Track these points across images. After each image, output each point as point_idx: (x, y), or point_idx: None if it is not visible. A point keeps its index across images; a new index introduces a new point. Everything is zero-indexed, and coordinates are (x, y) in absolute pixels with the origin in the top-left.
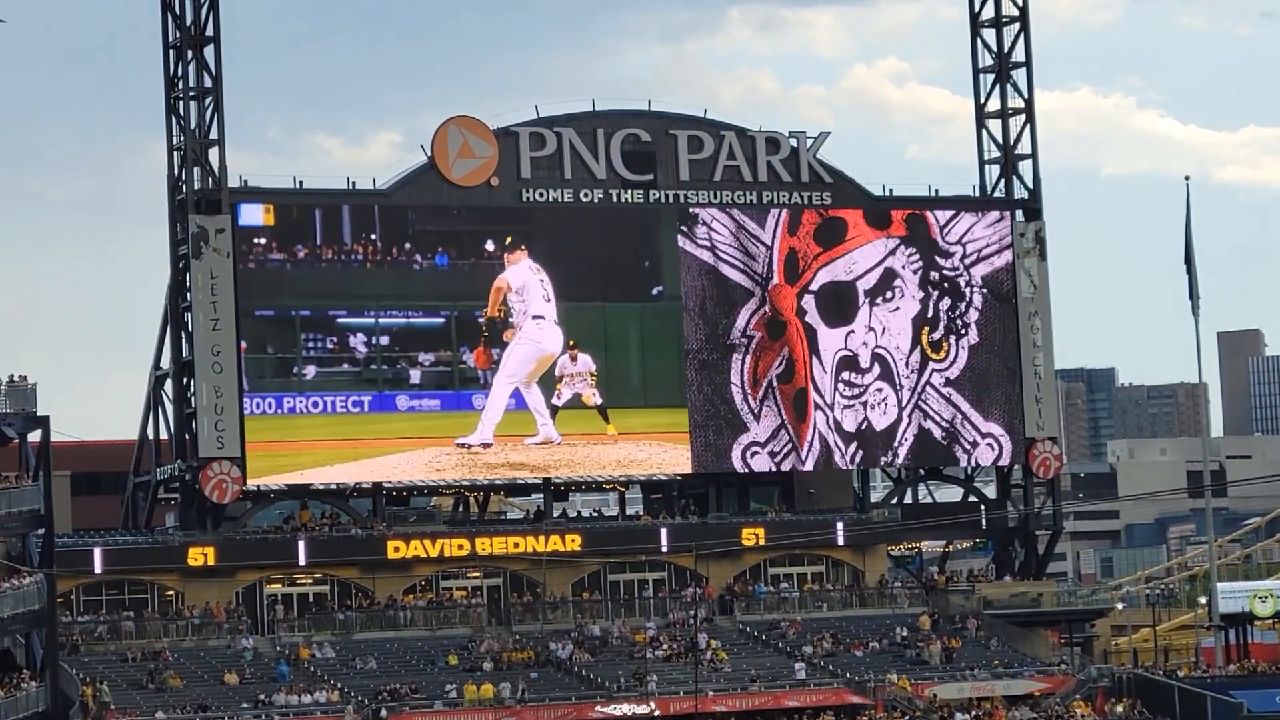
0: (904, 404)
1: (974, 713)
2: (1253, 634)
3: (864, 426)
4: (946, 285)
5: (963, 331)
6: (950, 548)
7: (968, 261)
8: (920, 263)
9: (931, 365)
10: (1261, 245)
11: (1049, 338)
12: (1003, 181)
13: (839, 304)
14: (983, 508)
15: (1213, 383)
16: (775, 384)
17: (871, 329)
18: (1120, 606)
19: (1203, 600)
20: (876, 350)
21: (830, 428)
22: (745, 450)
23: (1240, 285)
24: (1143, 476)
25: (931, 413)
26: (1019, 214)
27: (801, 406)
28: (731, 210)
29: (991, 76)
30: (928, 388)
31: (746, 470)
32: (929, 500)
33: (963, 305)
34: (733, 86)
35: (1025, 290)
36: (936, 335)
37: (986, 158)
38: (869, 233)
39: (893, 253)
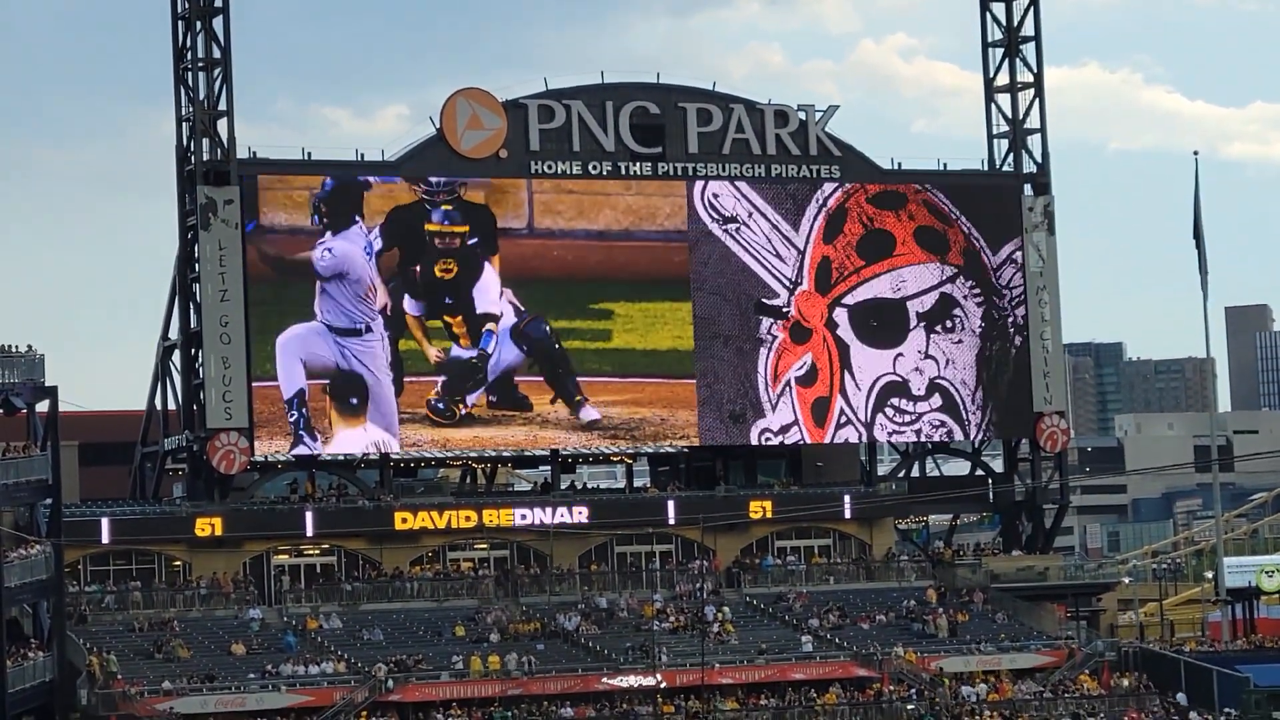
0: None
1: (980, 686)
2: (1259, 609)
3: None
4: (999, 322)
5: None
6: (957, 521)
7: (1013, 303)
8: (981, 296)
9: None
10: (1269, 221)
11: (1057, 312)
12: (1011, 156)
13: (881, 322)
14: (990, 481)
15: (1220, 358)
16: (794, 384)
17: (931, 357)
18: (1127, 581)
19: (1209, 575)
20: (937, 381)
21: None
22: (761, 433)
23: (1248, 261)
24: (1150, 451)
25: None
26: (1027, 188)
27: (821, 413)
28: (768, 213)
29: (1001, 51)
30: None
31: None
32: (936, 474)
33: (1007, 344)
34: (741, 61)
35: (1034, 265)
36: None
37: (995, 132)
38: (920, 253)
39: (951, 280)
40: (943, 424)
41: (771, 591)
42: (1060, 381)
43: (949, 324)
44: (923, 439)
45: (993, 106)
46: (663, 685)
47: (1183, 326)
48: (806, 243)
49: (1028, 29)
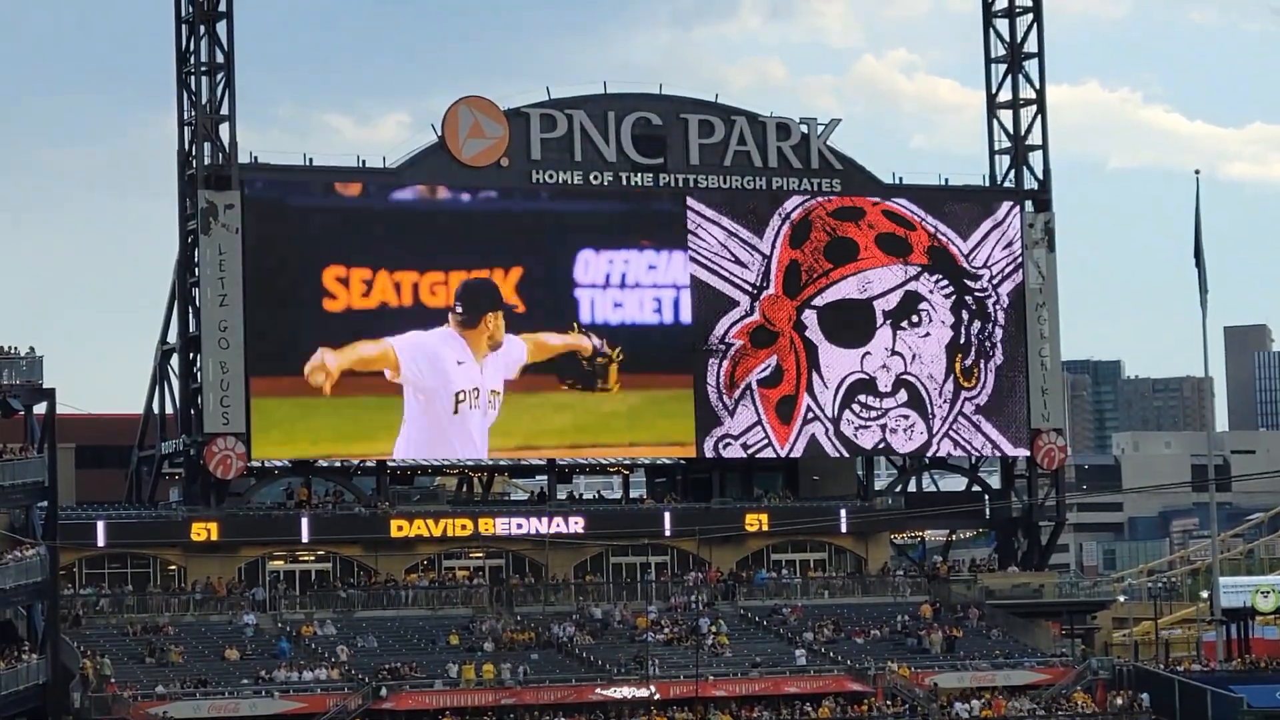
0: (934, 431)
1: (973, 702)
2: (1254, 629)
3: (880, 445)
4: (975, 306)
5: (990, 353)
6: (953, 537)
7: (994, 282)
8: (951, 287)
9: (963, 394)
10: (1268, 241)
11: (1056, 329)
12: (1012, 172)
13: (849, 322)
14: (986, 498)
15: (1218, 377)
16: (755, 386)
17: (898, 354)
18: (1122, 599)
19: (1204, 594)
20: (903, 377)
21: (831, 438)
22: (718, 441)
23: (1247, 280)
24: (1147, 469)
25: (961, 440)
26: (1028, 205)
27: (787, 411)
28: (723, 220)
29: (1003, 67)
30: (959, 416)
31: (716, 457)
32: (933, 489)
33: (990, 325)
34: (742, 73)
35: (1033, 281)
36: (969, 362)
37: (997, 148)
38: (883, 257)
39: (915, 278)
40: (906, 418)
41: (766, 604)
42: (1058, 399)
43: (915, 319)
44: (887, 434)
45: (995, 122)
46: (656, 697)
47: (1181, 345)
48: (772, 248)
49: (1031, 45)
